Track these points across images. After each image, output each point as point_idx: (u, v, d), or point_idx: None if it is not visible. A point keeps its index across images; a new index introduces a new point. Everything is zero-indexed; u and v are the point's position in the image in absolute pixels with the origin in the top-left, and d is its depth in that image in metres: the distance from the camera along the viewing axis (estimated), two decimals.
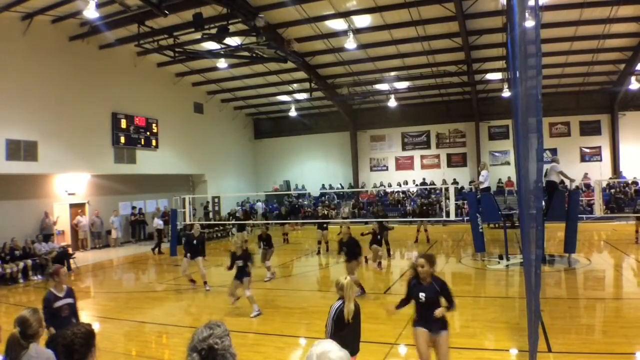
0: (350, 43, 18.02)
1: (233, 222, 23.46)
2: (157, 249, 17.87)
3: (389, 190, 27.76)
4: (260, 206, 27.43)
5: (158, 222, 18.73)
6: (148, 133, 21.35)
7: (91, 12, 13.38)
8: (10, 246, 13.55)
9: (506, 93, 22.52)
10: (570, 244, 12.15)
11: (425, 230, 18.24)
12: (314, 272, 13.37)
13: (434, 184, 25.93)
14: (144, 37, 16.95)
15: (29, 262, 13.47)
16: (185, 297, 10.70)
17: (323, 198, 28.79)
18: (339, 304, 4.74)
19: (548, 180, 12.89)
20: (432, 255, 5.08)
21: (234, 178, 28.51)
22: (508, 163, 26.28)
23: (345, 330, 4.64)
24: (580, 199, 18.57)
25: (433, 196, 25.68)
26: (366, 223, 18.53)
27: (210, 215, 25.07)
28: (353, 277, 8.39)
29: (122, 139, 19.83)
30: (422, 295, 4.82)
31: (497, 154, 27.25)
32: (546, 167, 13.63)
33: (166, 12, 14.77)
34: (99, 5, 13.53)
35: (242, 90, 26.09)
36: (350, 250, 9.87)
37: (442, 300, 4.80)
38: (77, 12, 15.17)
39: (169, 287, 12.00)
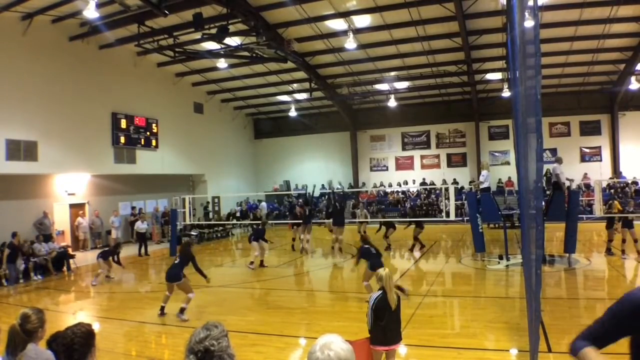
0: (350, 43, 18.02)
1: (233, 222, 23.45)
2: (140, 252, 17.29)
3: (388, 190, 27.74)
4: (264, 206, 27.33)
5: (140, 227, 17.78)
6: (148, 133, 21.35)
7: (91, 12, 13.38)
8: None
9: (506, 93, 22.52)
10: (570, 244, 12.16)
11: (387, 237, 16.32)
12: (315, 272, 13.36)
13: (434, 184, 25.94)
14: (144, 37, 16.95)
15: (30, 262, 13.47)
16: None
17: (323, 198, 28.74)
18: (378, 294, 4.83)
19: (554, 181, 12.89)
20: None
21: (234, 178, 28.50)
22: (508, 163, 26.29)
23: (385, 320, 4.73)
24: (580, 199, 18.58)
25: (433, 196, 25.65)
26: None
27: (210, 215, 25.07)
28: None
29: (122, 139, 19.84)
30: None
31: (497, 154, 27.25)
32: (549, 167, 13.67)
33: (166, 12, 14.79)
34: (99, 5, 13.53)
35: (242, 90, 26.10)
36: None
37: None
38: (77, 12, 15.17)
39: None
